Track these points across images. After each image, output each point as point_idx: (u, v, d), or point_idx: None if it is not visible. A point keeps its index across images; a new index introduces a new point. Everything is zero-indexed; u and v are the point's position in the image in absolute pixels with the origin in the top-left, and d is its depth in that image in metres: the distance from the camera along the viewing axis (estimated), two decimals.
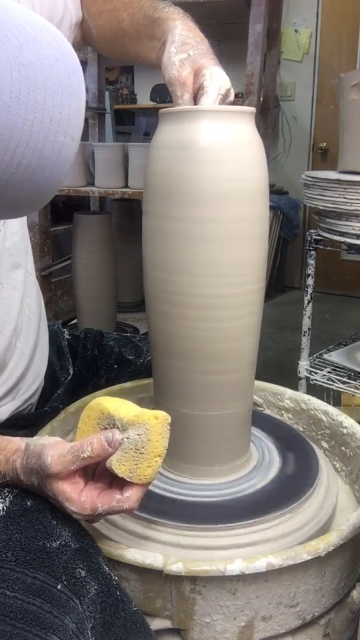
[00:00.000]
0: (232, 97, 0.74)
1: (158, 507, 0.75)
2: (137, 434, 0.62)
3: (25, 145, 0.44)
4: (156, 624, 0.67)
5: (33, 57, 0.44)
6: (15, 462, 0.66)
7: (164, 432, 0.63)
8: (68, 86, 0.47)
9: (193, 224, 0.72)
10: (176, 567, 0.64)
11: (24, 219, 0.86)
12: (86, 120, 2.38)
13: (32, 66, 0.44)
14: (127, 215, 2.16)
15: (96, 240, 1.84)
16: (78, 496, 0.62)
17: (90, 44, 0.91)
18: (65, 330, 1.10)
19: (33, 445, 0.66)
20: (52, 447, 0.63)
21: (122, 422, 0.63)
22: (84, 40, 0.90)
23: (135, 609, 0.61)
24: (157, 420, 0.63)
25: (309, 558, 0.66)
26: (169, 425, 0.64)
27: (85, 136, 2.41)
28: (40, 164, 0.46)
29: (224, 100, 0.74)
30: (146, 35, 0.80)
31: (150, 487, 0.79)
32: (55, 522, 0.63)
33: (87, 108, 2.53)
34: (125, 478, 0.62)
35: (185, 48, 0.73)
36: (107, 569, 0.62)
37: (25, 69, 0.44)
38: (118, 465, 0.61)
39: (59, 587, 0.57)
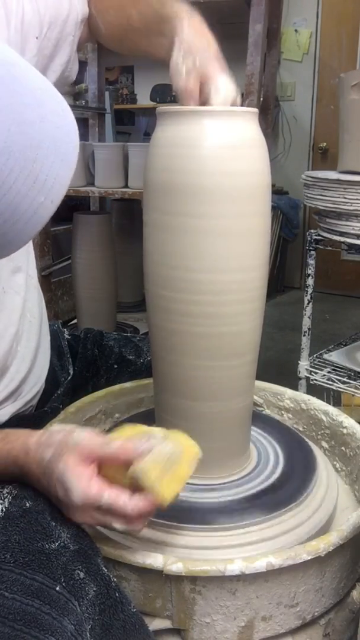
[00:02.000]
0: (238, 105, 0.74)
1: (158, 508, 0.75)
2: (173, 446, 0.61)
3: (3, 194, 0.45)
4: (156, 624, 0.67)
5: (35, 117, 0.46)
6: (30, 438, 0.66)
7: (193, 461, 0.62)
8: (63, 153, 0.48)
9: (195, 221, 0.72)
10: (176, 567, 0.64)
11: None
12: (86, 120, 2.38)
13: (32, 125, 0.45)
14: (127, 215, 2.16)
15: (96, 240, 1.84)
16: (88, 478, 0.61)
17: (98, 39, 0.90)
18: (65, 330, 1.10)
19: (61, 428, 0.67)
20: (86, 429, 0.65)
21: (159, 434, 0.62)
22: (91, 35, 0.89)
23: (134, 610, 0.61)
24: (190, 445, 0.63)
25: (309, 558, 0.66)
26: (198, 459, 0.63)
27: (85, 136, 2.40)
28: (13, 217, 0.47)
29: None
30: (155, 32, 0.78)
31: None
32: (54, 524, 0.63)
33: (87, 108, 2.53)
34: (146, 486, 0.59)
35: (191, 56, 0.72)
36: (106, 570, 0.62)
37: (24, 126, 0.45)
38: (145, 470, 0.59)
39: (57, 588, 0.57)
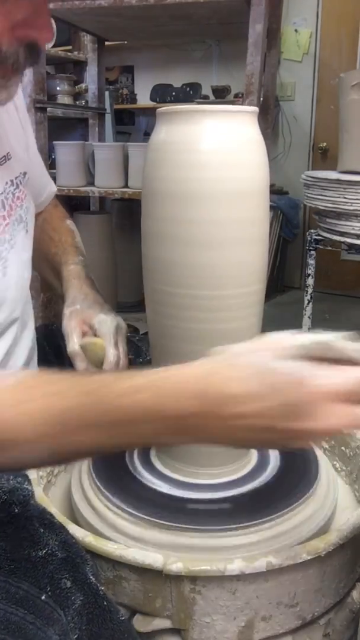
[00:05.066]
0: (123, 333, 0.87)
1: (158, 508, 0.75)
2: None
3: None
4: (156, 624, 0.67)
5: None
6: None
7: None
8: None
9: (194, 224, 0.72)
10: (176, 567, 0.64)
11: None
12: (86, 120, 2.38)
13: None
14: (127, 215, 2.16)
15: (96, 240, 1.84)
16: None
17: None
18: None
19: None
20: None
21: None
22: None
23: (123, 618, 0.60)
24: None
25: (309, 558, 0.66)
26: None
27: (85, 136, 2.41)
28: None
29: (116, 339, 0.84)
30: (56, 276, 0.97)
31: (151, 487, 0.79)
32: (42, 531, 0.61)
33: (87, 108, 2.52)
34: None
35: (75, 304, 0.88)
36: (93, 579, 0.60)
37: None
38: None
39: (43, 597, 0.55)
